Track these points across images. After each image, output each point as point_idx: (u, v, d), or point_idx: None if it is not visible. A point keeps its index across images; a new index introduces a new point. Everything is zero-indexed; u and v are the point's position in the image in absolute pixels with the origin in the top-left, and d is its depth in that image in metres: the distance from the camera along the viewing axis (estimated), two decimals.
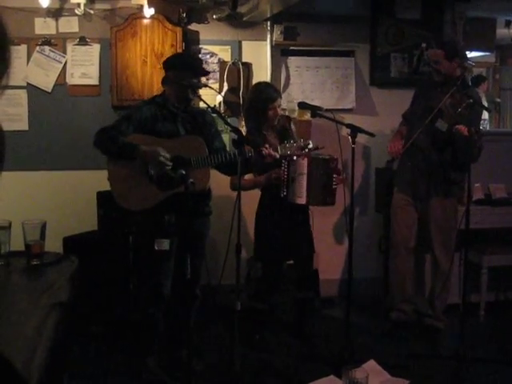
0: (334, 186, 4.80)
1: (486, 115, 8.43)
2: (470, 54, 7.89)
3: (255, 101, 4.93)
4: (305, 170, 4.74)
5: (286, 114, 5.36)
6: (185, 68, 4.26)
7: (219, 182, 5.06)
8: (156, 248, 4.14)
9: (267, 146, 4.24)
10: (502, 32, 7.96)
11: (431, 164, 5.07)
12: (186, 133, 4.30)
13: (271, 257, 4.96)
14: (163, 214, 4.18)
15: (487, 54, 8.60)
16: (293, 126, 5.15)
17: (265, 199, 4.98)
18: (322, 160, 4.84)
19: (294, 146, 4.37)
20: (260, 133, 4.89)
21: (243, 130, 5.11)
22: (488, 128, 8.56)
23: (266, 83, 5.31)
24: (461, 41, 5.65)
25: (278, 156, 4.28)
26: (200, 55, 5.97)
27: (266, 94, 4.90)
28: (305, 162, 4.73)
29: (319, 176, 4.80)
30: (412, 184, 5.19)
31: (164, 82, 4.36)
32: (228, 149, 4.79)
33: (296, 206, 4.78)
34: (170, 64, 4.32)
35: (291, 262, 5.24)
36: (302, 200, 4.75)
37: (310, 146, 4.43)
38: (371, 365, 3.10)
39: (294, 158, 4.62)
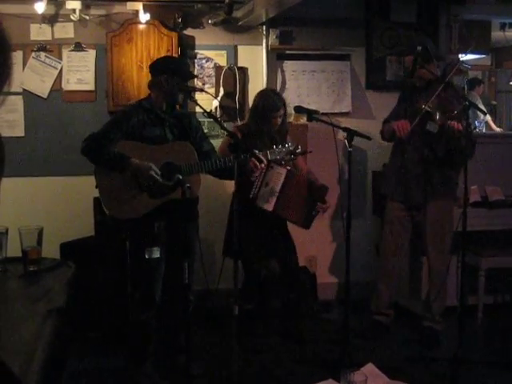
0: (313, 213, 4.87)
1: (482, 117, 8.46)
2: (466, 57, 7.91)
3: (259, 106, 4.94)
4: (281, 180, 4.78)
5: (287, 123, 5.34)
6: (176, 72, 4.24)
7: (215, 186, 5.07)
8: (146, 256, 4.13)
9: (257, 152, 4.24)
10: (497, 35, 7.99)
11: (425, 166, 5.07)
12: (174, 137, 4.29)
13: (246, 255, 4.95)
14: (153, 221, 4.17)
15: (483, 56, 8.63)
16: (288, 138, 5.14)
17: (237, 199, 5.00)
18: (311, 182, 5.01)
19: (283, 150, 4.38)
20: (259, 135, 4.90)
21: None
22: (484, 130, 8.59)
23: (273, 91, 5.33)
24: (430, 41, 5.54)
25: (265, 162, 4.29)
26: (196, 60, 5.98)
27: (271, 101, 4.92)
28: (283, 172, 4.78)
29: (300, 195, 4.85)
30: (406, 192, 5.17)
31: (152, 86, 4.33)
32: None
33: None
34: (160, 68, 4.28)
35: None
36: (269, 207, 4.78)
37: (298, 150, 4.45)
38: (369, 368, 3.10)
39: (273, 166, 4.66)
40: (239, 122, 5.89)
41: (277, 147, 4.39)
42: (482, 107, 8.01)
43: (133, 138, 4.18)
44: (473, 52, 7.22)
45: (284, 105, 4.99)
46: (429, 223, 5.16)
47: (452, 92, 4.95)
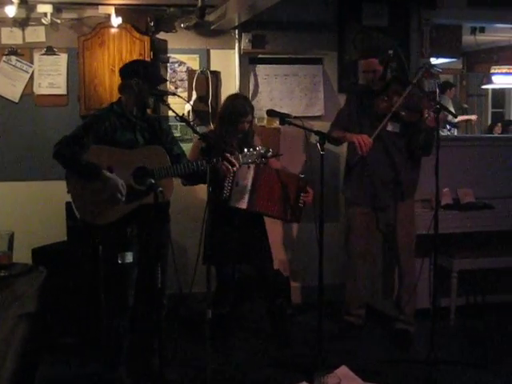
0: (300, 204, 4.87)
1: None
2: (437, 61, 7.99)
3: (228, 110, 4.93)
4: (250, 175, 4.78)
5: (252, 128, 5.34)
6: (146, 76, 4.21)
7: (188, 190, 5.05)
8: (119, 261, 4.10)
9: (229, 155, 4.24)
10: (468, 39, 8.08)
11: (387, 168, 5.09)
12: (145, 141, 4.26)
13: (220, 259, 4.94)
14: (125, 226, 4.14)
15: (454, 60, 8.71)
16: (256, 138, 5.13)
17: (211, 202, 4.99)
18: (288, 175, 5.02)
19: (255, 154, 4.38)
20: (226, 139, 4.89)
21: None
22: (456, 133, 8.67)
23: (242, 96, 5.31)
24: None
25: (238, 166, 4.29)
26: (168, 64, 5.96)
27: (240, 106, 4.91)
28: (251, 168, 4.78)
29: (276, 188, 4.85)
30: (370, 195, 5.19)
31: (122, 89, 4.29)
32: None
33: (238, 210, 4.80)
34: (130, 72, 4.23)
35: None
36: (243, 204, 4.77)
37: (270, 153, 4.45)
38: (343, 370, 3.12)
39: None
40: (212, 126, 5.88)
41: (248, 150, 4.38)
42: (453, 110, 8.09)
43: (105, 142, 4.14)
44: (444, 56, 7.30)
45: (252, 110, 4.99)
46: (399, 225, 5.18)
47: (416, 90, 4.98)
